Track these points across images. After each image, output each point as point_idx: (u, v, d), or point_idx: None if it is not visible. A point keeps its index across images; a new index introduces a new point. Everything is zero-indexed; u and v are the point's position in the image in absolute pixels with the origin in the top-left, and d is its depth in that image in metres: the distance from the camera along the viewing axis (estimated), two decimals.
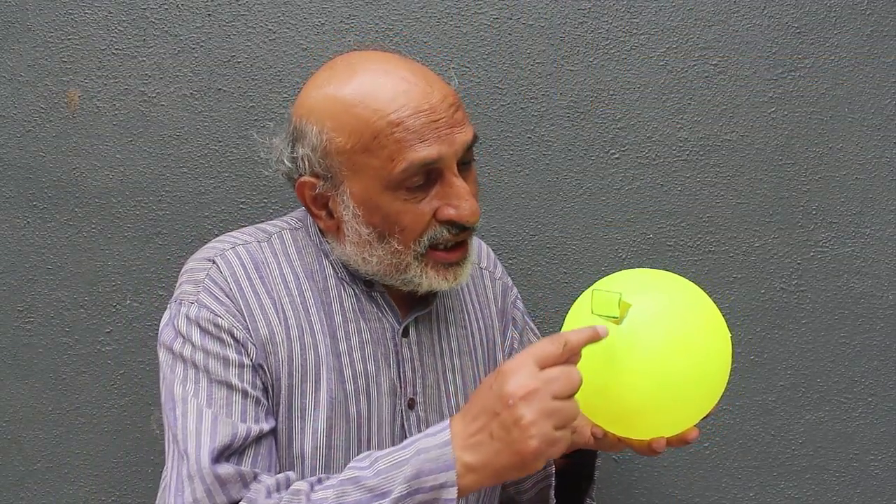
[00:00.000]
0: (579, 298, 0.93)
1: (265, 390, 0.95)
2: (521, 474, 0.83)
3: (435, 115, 0.91)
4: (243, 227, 1.07)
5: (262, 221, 1.09)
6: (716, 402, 0.90)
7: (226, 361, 0.93)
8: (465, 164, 0.96)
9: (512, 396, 0.80)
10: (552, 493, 1.09)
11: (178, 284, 1.00)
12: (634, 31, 1.40)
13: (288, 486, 0.89)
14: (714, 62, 1.41)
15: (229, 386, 0.92)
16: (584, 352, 0.84)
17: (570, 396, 0.82)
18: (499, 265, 1.21)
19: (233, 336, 0.94)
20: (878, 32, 1.41)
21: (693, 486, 1.44)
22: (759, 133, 1.42)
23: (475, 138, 0.96)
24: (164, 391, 0.96)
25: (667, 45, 1.40)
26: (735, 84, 1.41)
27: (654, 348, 0.83)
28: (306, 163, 0.95)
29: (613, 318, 0.84)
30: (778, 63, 1.41)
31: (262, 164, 1.03)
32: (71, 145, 1.36)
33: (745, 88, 1.41)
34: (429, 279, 0.96)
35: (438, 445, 0.83)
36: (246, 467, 0.89)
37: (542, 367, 0.81)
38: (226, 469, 0.88)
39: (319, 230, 1.03)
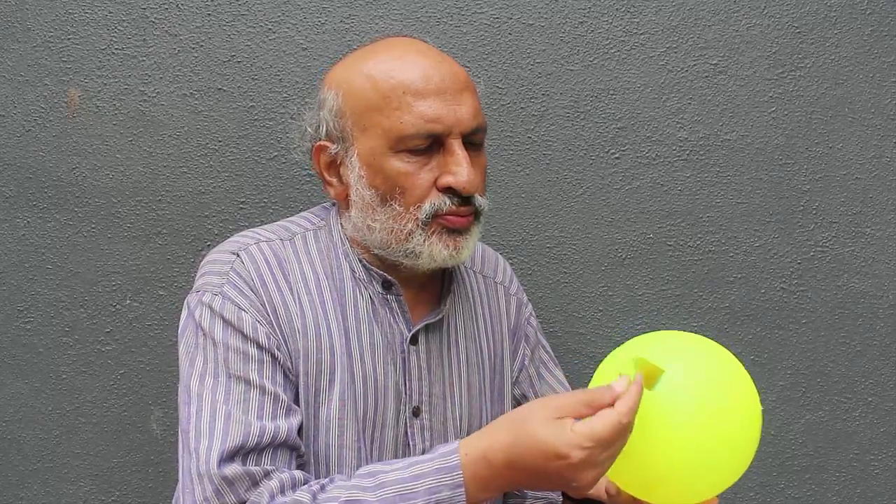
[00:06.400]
0: (608, 357, 0.92)
1: (288, 386, 0.95)
2: None
3: (442, 85, 0.96)
4: (243, 227, 1.08)
5: (274, 220, 1.08)
6: (740, 475, 0.90)
7: (246, 356, 0.93)
8: (472, 144, 0.98)
9: (576, 481, 0.80)
10: None
11: (199, 275, 0.99)
12: (634, 31, 1.40)
13: (294, 486, 0.88)
14: (714, 62, 1.41)
15: (248, 382, 0.92)
16: None
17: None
18: (515, 281, 1.21)
19: (256, 331, 0.94)
20: (878, 32, 1.41)
21: None
22: (759, 133, 1.41)
23: (481, 127, 0.99)
24: (180, 384, 0.95)
25: (667, 45, 1.40)
26: (735, 84, 1.41)
27: (685, 420, 0.83)
28: (324, 127, 1.01)
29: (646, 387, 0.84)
30: (778, 63, 1.41)
31: (294, 149, 1.08)
32: (71, 145, 1.36)
33: (745, 88, 1.41)
34: (430, 247, 0.97)
35: (451, 486, 0.83)
36: (258, 466, 0.88)
37: (607, 445, 0.80)
38: (233, 469, 0.87)
39: (339, 217, 1.04)
